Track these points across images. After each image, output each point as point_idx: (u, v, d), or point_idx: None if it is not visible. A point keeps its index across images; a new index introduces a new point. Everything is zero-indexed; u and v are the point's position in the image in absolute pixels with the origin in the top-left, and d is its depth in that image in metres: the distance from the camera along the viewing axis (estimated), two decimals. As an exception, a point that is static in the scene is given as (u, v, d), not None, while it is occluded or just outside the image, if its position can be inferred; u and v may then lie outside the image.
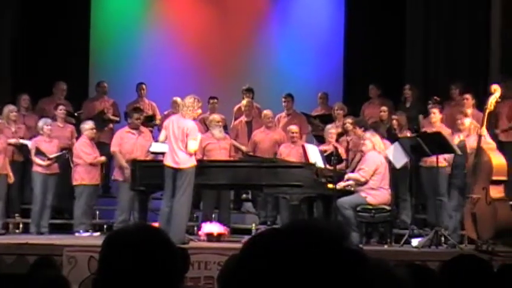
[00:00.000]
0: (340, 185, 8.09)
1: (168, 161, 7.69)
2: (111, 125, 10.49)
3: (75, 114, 10.21)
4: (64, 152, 9.30)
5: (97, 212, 9.80)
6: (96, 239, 8.26)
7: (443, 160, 8.41)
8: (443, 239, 8.04)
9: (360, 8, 11.40)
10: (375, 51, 11.07)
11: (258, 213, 9.81)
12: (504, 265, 3.29)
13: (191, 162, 7.66)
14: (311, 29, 11.72)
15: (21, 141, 9.31)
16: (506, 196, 7.89)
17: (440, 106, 9.25)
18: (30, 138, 9.40)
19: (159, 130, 8.79)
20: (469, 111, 8.79)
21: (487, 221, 7.67)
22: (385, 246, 8.08)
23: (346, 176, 8.24)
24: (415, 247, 7.79)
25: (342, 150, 8.87)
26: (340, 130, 9.48)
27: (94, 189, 9.25)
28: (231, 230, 8.83)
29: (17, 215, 9.58)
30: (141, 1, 12.35)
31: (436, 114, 8.70)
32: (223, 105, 10.35)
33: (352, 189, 8.18)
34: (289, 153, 9.08)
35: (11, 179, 9.07)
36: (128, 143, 8.99)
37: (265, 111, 9.77)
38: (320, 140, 9.63)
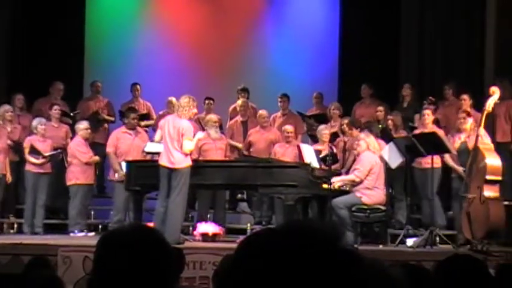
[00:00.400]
0: (335, 180, 8.07)
1: (163, 161, 7.69)
2: (105, 125, 10.48)
3: (71, 114, 10.19)
4: (58, 151, 9.28)
5: (92, 212, 9.79)
6: (90, 239, 8.25)
7: (451, 162, 8.37)
8: (438, 238, 8.06)
9: (355, 8, 11.40)
10: (370, 52, 11.08)
11: (253, 213, 9.81)
12: (502, 265, 3.30)
13: (186, 162, 7.65)
14: (306, 29, 11.73)
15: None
16: (500, 196, 7.93)
17: (434, 107, 9.27)
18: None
19: (155, 130, 8.78)
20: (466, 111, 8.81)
21: (480, 220, 7.71)
22: (380, 246, 8.09)
23: (340, 179, 8.23)
24: (410, 247, 7.80)
25: (336, 151, 8.88)
26: (334, 130, 9.50)
27: (89, 189, 9.24)
28: (226, 230, 8.83)
29: (11, 215, 9.57)
30: (136, 1, 12.34)
31: (429, 116, 8.72)
32: (218, 105, 10.35)
33: (347, 189, 8.19)
34: (284, 153, 9.09)
35: (9, 179, 9.06)
36: (125, 143, 8.98)
37: (260, 111, 9.77)
38: (315, 139, 9.64)
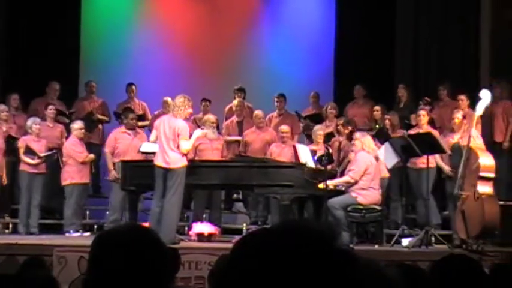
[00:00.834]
0: (330, 183, 8.08)
1: (158, 161, 7.68)
2: (100, 126, 10.47)
3: (67, 113, 10.17)
4: (54, 151, 9.27)
5: (87, 212, 9.78)
6: (86, 239, 8.24)
7: (440, 162, 8.46)
8: (433, 238, 8.08)
9: (350, 8, 11.42)
10: (365, 52, 11.09)
11: (249, 213, 9.81)
12: (497, 265, 3.31)
13: (182, 162, 7.65)
14: (302, 29, 11.74)
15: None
16: (495, 194, 7.98)
17: (429, 107, 9.30)
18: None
19: (150, 131, 8.77)
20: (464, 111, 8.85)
21: (475, 218, 7.75)
22: (376, 246, 8.10)
23: (335, 181, 8.24)
24: (406, 247, 7.81)
25: (332, 151, 8.89)
26: (330, 130, 9.51)
27: (84, 188, 9.22)
28: (221, 230, 8.83)
29: (6, 215, 9.55)
30: (131, 1, 12.32)
31: (424, 117, 8.74)
32: (214, 105, 10.35)
33: (343, 189, 8.20)
34: (280, 153, 9.09)
35: (5, 180, 9.05)
36: (123, 144, 8.98)
37: (256, 112, 9.77)
38: (311, 139, 9.65)
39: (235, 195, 10.39)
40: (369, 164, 8.11)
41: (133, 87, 10.64)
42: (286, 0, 12.20)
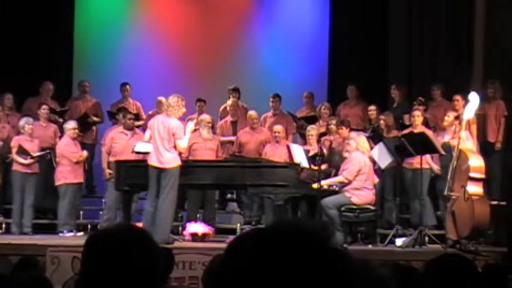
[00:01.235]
0: (324, 182, 8.09)
1: (152, 161, 7.67)
2: (93, 126, 10.46)
3: (57, 110, 10.12)
4: (47, 151, 9.25)
5: (81, 212, 9.75)
6: (79, 239, 8.22)
7: (429, 161, 8.53)
8: (427, 238, 8.10)
9: (344, 9, 11.43)
10: (359, 52, 11.10)
11: (243, 213, 9.81)
12: (489, 264, 3.32)
13: (176, 162, 7.64)
14: (296, 30, 11.74)
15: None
16: (485, 194, 8.02)
17: (423, 107, 9.33)
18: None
19: (144, 130, 8.76)
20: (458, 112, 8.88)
21: (465, 218, 7.79)
22: (370, 246, 8.11)
23: (329, 181, 8.25)
24: (399, 247, 7.83)
25: (325, 151, 8.91)
26: (323, 130, 9.52)
27: (78, 188, 9.21)
28: (216, 230, 8.82)
29: (-1, 215, 9.53)
30: (125, 0, 12.30)
31: (418, 117, 8.77)
32: (209, 105, 10.34)
33: (337, 189, 8.21)
34: (274, 153, 9.09)
35: None
36: (120, 144, 8.98)
37: (249, 112, 9.77)
38: (305, 139, 9.65)
39: (229, 195, 10.39)
40: (363, 164, 8.12)
41: (128, 86, 10.63)
42: (280, 0, 12.21)
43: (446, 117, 8.66)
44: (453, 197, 7.99)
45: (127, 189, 8.22)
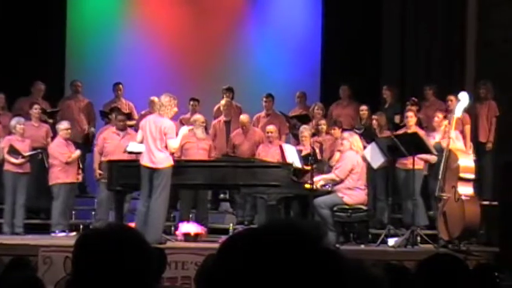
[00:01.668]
0: (316, 180, 8.09)
1: (144, 161, 7.65)
2: (85, 126, 10.43)
3: (47, 110, 10.09)
4: (38, 151, 9.22)
5: (73, 212, 9.72)
6: (71, 239, 8.18)
7: (420, 162, 8.55)
8: (419, 238, 8.11)
9: (337, 9, 11.43)
10: (351, 52, 11.11)
11: (236, 213, 9.80)
12: (481, 264, 3.33)
13: (168, 162, 7.63)
14: (289, 30, 11.74)
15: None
16: (475, 195, 8.05)
17: (416, 107, 9.34)
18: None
19: (136, 130, 8.75)
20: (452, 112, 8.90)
21: (456, 218, 7.82)
22: (362, 246, 8.12)
23: (321, 177, 8.26)
24: (392, 247, 7.84)
25: (318, 151, 8.92)
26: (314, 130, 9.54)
27: (71, 188, 9.18)
28: (208, 229, 8.81)
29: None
30: (118, 0, 12.27)
31: (411, 118, 8.78)
32: (203, 105, 10.33)
33: (329, 189, 8.22)
34: (267, 153, 9.09)
35: None
36: (111, 144, 8.97)
37: (241, 117, 9.69)
38: (298, 139, 9.66)
39: (222, 195, 10.38)
40: (356, 164, 8.13)
41: (121, 86, 10.61)
42: (273, 1, 12.21)
43: (435, 118, 8.68)
44: (444, 198, 8.02)
45: (119, 189, 8.20)
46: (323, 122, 9.43)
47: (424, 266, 2.67)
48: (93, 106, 10.56)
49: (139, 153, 7.90)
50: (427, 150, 8.22)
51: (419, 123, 9.15)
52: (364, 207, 8.16)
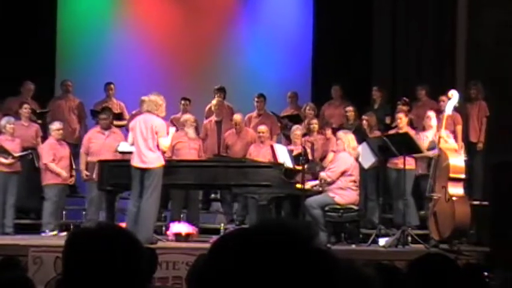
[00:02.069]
0: (310, 185, 8.12)
1: (135, 162, 7.64)
2: (76, 126, 10.40)
3: (37, 111, 10.05)
4: (29, 151, 9.19)
5: (64, 212, 9.69)
6: (62, 239, 8.14)
7: (411, 161, 8.58)
8: (410, 238, 8.13)
9: (328, 9, 11.45)
10: (343, 52, 11.13)
11: (227, 213, 9.80)
12: (470, 264, 3.34)
13: (159, 162, 7.61)
14: (280, 29, 11.75)
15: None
16: (466, 195, 8.08)
17: (407, 108, 9.36)
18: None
19: (127, 130, 8.72)
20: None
21: (446, 219, 7.85)
22: (353, 246, 8.13)
23: (313, 183, 8.26)
24: (382, 246, 7.86)
25: (309, 151, 8.92)
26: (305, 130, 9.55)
27: (63, 188, 9.15)
28: (199, 229, 8.80)
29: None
30: (109, 0, 12.24)
31: (402, 119, 8.79)
32: (194, 105, 10.31)
33: (321, 189, 8.23)
34: (258, 153, 9.09)
35: None
36: (97, 143, 8.95)
37: (234, 116, 9.70)
38: (289, 139, 9.66)
39: (213, 195, 10.37)
40: (349, 166, 8.14)
41: (112, 86, 10.58)
42: (264, 0, 12.21)
43: (426, 115, 8.68)
44: (435, 198, 8.05)
45: (110, 189, 8.18)
46: (314, 121, 9.45)
47: (415, 265, 2.67)
48: (84, 106, 10.53)
49: (131, 153, 7.88)
50: (418, 150, 8.24)
51: (410, 124, 9.17)
52: (356, 207, 8.17)
